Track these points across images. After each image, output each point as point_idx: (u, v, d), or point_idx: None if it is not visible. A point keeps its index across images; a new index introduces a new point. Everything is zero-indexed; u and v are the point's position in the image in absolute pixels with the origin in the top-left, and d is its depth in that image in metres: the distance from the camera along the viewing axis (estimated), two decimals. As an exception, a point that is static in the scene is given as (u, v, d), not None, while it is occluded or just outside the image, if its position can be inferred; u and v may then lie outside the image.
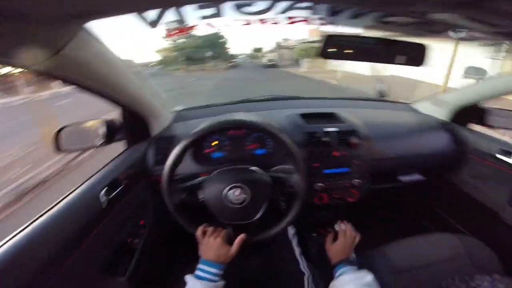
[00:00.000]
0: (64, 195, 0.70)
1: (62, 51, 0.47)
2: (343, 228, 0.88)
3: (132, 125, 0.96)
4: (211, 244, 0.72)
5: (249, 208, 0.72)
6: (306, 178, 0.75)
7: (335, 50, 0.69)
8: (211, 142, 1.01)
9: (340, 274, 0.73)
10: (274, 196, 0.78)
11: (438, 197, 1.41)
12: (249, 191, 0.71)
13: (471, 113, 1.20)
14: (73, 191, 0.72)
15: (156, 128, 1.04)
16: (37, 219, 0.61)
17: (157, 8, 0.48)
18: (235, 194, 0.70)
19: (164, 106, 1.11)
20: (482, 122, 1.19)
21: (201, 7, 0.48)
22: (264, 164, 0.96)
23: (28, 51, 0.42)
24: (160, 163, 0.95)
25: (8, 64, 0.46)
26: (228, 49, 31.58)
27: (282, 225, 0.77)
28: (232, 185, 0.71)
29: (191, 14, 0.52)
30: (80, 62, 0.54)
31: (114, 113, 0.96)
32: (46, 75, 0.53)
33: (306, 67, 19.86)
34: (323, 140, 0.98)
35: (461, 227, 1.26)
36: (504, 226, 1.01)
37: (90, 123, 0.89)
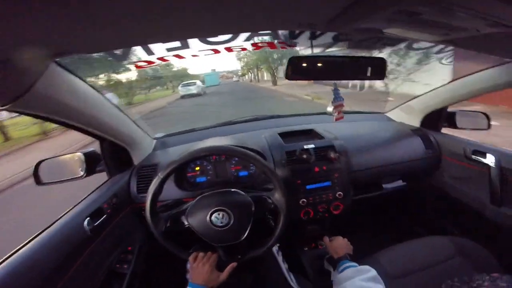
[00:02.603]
0: (48, 225, 0.70)
1: (33, 88, 0.48)
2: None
3: (112, 155, 0.97)
4: (201, 269, 0.72)
5: (234, 229, 0.74)
6: (286, 195, 0.77)
7: (299, 71, 0.73)
8: (194, 167, 1.02)
9: (344, 269, 0.74)
10: (259, 215, 0.79)
11: (422, 201, 1.43)
12: (232, 213, 0.73)
13: (439, 117, 1.26)
14: (56, 221, 0.71)
15: (138, 157, 1.04)
16: (19, 249, 0.60)
17: (126, 47, 0.51)
18: (218, 217, 0.72)
19: (145, 134, 1.13)
20: (450, 125, 1.25)
21: (166, 42, 0.52)
22: (248, 186, 0.96)
23: None
24: (144, 191, 0.96)
25: None
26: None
27: (271, 242, 0.78)
28: (215, 209, 0.73)
29: (158, 47, 0.55)
30: (52, 97, 0.55)
31: (93, 145, 0.97)
32: (20, 113, 0.54)
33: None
34: (303, 157, 1.01)
35: (449, 228, 1.28)
36: (490, 223, 1.04)
37: (69, 156, 0.89)
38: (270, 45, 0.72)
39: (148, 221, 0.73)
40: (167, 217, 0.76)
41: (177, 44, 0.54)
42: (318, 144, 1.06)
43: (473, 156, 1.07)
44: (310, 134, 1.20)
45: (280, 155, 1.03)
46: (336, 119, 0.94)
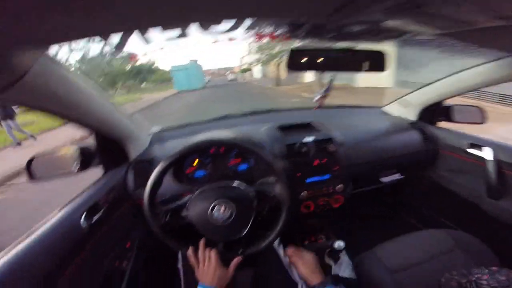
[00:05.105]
0: (42, 222, 0.68)
1: (23, 80, 0.46)
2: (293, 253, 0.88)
3: (107, 150, 0.95)
4: (207, 269, 0.72)
5: (236, 224, 0.73)
6: (288, 188, 0.76)
7: (300, 62, 0.73)
8: (192, 162, 1.00)
9: None
10: (260, 209, 0.79)
11: (420, 195, 1.45)
12: (234, 207, 0.72)
13: (436, 111, 1.28)
14: (51, 218, 0.70)
15: (134, 152, 1.02)
16: (12, 249, 0.58)
17: (119, 32, 0.49)
18: (220, 211, 0.71)
19: (140, 128, 1.10)
20: (446, 119, 1.26)
21: (165, 30, 0.50)
22: (247, 179, 0.96)
23: None
24: (140, 186, 0.94)
25: None
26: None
27: (272, 236, 0.77)
28: (216, 202, 0.72)
29: (156, 36, 0.53)
30: (43, 88, 0.53)
31: (89, 139, 0.95)
32: (11, 103, 0.52)
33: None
34: (303, 151, 1.01)
35: (446, 221, 1.30)
36: (488, 217, 1.04)
37: (63, 151, 0.87)
38: (271, 36, 0.70)
39: (147, 214, 0.72)
40: (166, 210, 0.75)
41: (177, 32, 0.52)
42: (317, 137, 1.06)
43: (470, 150, 1.08)
44: (308, 127, 1.20)
45: (279, 148, 1.03)
46: (315, 108, 0.97)
